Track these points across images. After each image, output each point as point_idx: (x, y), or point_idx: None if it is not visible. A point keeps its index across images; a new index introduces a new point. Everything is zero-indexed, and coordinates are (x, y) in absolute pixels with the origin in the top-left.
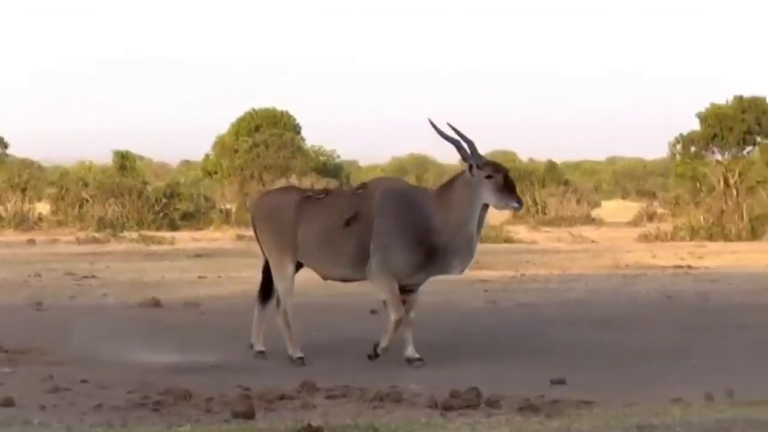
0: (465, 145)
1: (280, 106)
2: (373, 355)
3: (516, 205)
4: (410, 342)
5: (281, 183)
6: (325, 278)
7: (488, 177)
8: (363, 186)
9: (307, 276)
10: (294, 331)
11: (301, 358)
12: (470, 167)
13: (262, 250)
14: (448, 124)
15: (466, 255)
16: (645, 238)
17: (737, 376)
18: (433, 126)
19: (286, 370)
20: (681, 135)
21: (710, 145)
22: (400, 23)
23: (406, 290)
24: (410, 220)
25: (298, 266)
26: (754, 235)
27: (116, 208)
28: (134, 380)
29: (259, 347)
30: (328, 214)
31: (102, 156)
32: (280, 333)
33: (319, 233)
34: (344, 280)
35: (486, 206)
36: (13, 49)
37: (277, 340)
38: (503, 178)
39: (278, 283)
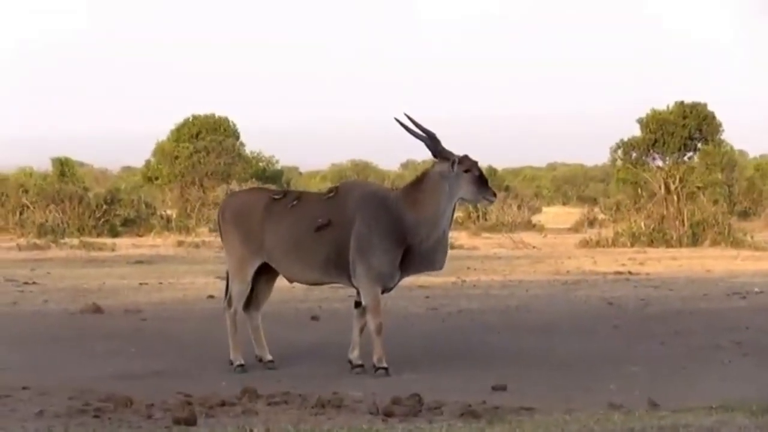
0: (432, 141)
1: (219, 112)
2: (383, 372)
3: (492, 198)
4: (358, 346)
5: (222, 189)
6: (291, 281)
7: (466, 171)
8: (334, 190)
9: None
10: (239, 338)
11: (241, 365)
12: (452, 163)
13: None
14: (405, 114)
15: (441, 251)
16: (586, 243)
17: (677, 382)
18: (401, 122)
19: (227, 377)
20: (622, 141)
21: (651, 151)
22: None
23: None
24: (387, 222)
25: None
26: (694, 240)
27: (57, 214)
28: (75, 387)
29: (267, 357)
30: (298, 217)
31: (42, 162)
32: (221, 338)
33: (288, 237)
34: (314, 284)
35: (456, 203)
36: None
37: (217, 345)
38: (479, 171)
39: (234, 285)
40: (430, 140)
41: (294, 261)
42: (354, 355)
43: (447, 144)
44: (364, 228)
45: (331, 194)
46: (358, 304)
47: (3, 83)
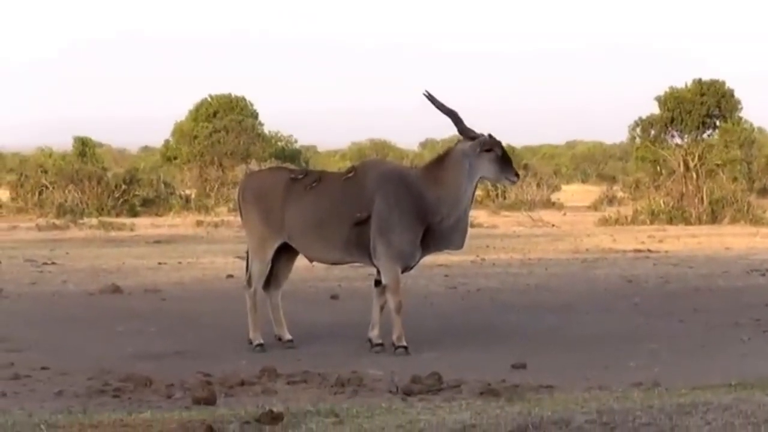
0: (455, 120)
1: (236, 92)
2: (402, 350)
3: (514, 178)
4: (378, 325)
5: (241, 169)
6: (312, 261)
7: (488, 150)
8: (353, 169)
9: None
10: (259, 317)
11: (260, 345)
12: (475, 141)
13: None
14: (427, 93)
15: (462, 230)
16: (605, 221)
17: (696, 360)
18: (430, 98)
19: (246, 356)
20: (640, 118)
21: (669, 129)
22: (357, 5)
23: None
24: (407, 200)
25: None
26: (714, 218)
27: (76, 194)
28: (94, 367)
29: (286, 336)
30: (319, 197)
31: (62, 143)
32: (241, 317)
33: (309, 216)
34: (335, 263)
35: (477, 182)
36: None
37: (236, 324)
38: (502, 151)
39: (254, 264)
40: (453, 119)
41: (315, 240)
42: (374, 334)
43: (470, 122)
44: (384, 206)
45: (351, 174)
46: (378, 283)
47: (23, 65)
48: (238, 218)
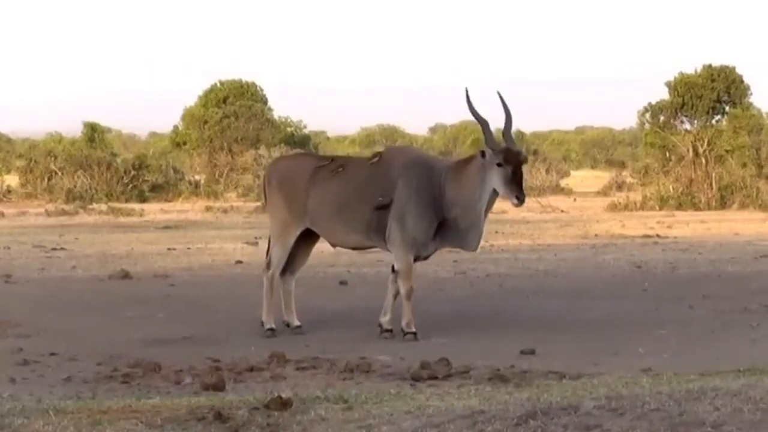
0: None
1: (246, 77)
2: (411, 336)
3: (515, 201)
4: (390, 311)
5: (250, 154)
6: (334, 246)
7: (499, 165)
8: (378, 155)
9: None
10: (274, 301)
11: (272, 330)
12: (482, 153)
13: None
14: (466, 91)
15: (475, 233)
16: (614, 207)
17: (705, 346)
18: (467, 99)
19: (255, 342)
20: (650, 104)
21: (679, 114)
22: None
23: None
24: (427, 190)
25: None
26: (723, 204)
27: (85, 180)
28: (103, 353)
29: (295, 323)
30: (343, 181)
31: (71, 128)
32: (249, 303)
33: (332, 199)
34: (355, 248)
35: (492, 192)
36: None
37: (245, 310)
38: (512, 171)
39: (275, 249)
40: (483, 127)
41: (336, 224)
42: (385, 319)
43: (480, 108)
44: (405, 193)
45: (377, 159)
46: (394, 269)
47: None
48: (247, 204)
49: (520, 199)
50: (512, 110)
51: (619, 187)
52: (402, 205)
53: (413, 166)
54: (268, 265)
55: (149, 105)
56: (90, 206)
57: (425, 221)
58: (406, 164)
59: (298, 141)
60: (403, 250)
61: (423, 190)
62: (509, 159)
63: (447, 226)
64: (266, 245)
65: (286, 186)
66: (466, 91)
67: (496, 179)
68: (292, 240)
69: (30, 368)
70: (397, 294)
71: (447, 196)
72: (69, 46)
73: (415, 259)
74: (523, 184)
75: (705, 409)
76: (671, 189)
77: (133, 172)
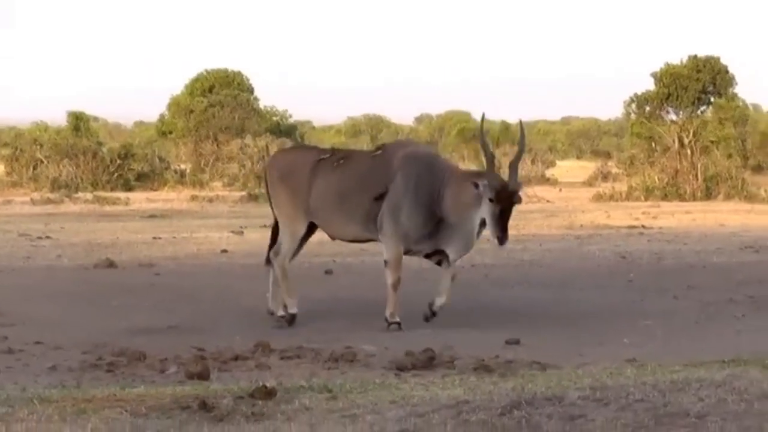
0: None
1: (232, 66)
2: (396, 326)
3: (494, 239)
4: (444, 293)
5: (236, 143)
6: (333, 238)
7: (490, 200)
8: (381, 147)
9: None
10: (292, 285)
11: (293, 316)
12: (476, 184)
13: (272, 208)
14: (482, 117)
15: (462, 244)
16: (599, 197)
17: (690, 336)
18: (481, 128)
19: (240, 331)
20: (635, 95)
21: (665, 105)
22: None
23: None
24: (426, 186)
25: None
26: (708, 194)
27: (71, 168)
28: (88, 341)
29: (280, 312)
30: (343, 173)
31: (56, 117)
32: (235, 292)
33: (332, 191)
34: (353, 240)
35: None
36: None
37: (230, 299)
38: (500, 210)
39: (284, 239)
40: (488, 159)
41: (336, 214)
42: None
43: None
44: (402, 186)
45: (378, 152)
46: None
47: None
48: (238, 193)
49: (501, 241)
50: (511, 109)
51: (605, 177)
52: (398, 197)
53: (415, 160)
54: (278, 250)
55: (135, 94)
56: (75, 195)
57: (420, 217)
58: (408, 158)
59: (284, 130)
60: (393, 241)
61: (421, 186)
62: (501, 198)
63: (440, 228)
64: (268, 236)
65: (288, 180)
66: (482, 117)
67: (485, 211)
68: (302, 231)
69: (15, 357)
70: (453, 277)
71: (444, 202)
72: (57, 35)
73: (406, 252)
74: (508, 224)
75: (689, 399)
76: (657, 180)
77: (118, 161)
